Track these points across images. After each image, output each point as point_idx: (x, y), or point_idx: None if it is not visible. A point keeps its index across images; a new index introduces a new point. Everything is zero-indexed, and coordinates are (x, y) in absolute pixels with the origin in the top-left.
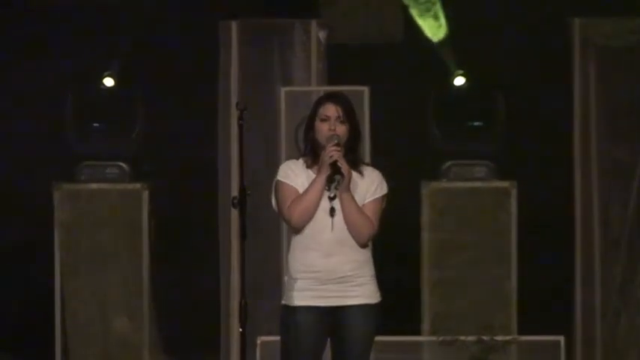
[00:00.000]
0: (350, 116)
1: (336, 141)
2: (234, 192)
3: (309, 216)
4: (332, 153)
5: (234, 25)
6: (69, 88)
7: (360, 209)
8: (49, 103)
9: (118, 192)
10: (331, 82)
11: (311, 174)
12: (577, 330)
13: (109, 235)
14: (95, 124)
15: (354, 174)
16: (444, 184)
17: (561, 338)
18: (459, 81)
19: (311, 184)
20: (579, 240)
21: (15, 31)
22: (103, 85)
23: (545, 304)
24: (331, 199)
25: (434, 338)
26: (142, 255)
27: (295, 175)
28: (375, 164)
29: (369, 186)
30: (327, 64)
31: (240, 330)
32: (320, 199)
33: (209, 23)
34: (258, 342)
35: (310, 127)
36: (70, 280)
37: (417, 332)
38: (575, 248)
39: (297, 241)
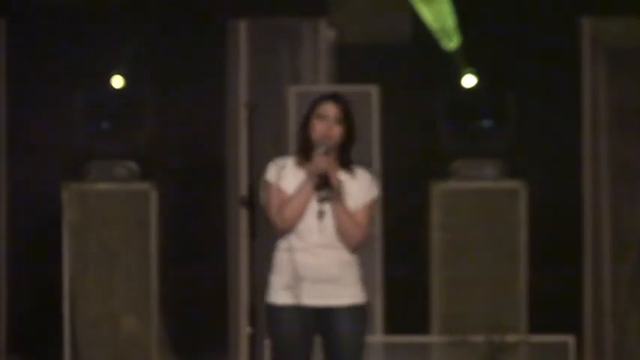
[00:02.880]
0: (347, 118)
1: (324, 149)
2: (243, 191)
3: (297, 220)
4: (320, 164)
5: (242, 25)
6: (78, 87)
7: (351, 219)
8: (58, 103)
9: (127, 191)
10: (340, 82)
11: (301, 175)
12: (587, 330)
13: (117, 234)
14: (104, 124)
15: (345, 176)
16: (453, 184)
17: (571, 338)
18: (469, 81)
19: (299, 189)
20: (589, 240)
21: (25, 30)
22: (112, 84)
23: (554, 304)
24: (321, 201)
25: (443, 338)
26: (150, 254)
27: (284, 175)
28: (384, 164)
29: (360, 190)
30: (335, 63)
31: (250, 330)
32: (307, 203)
33: (218, 23)
34: (267, 342)
35: (305, 125)
36: (79, 279)
37: (427, 332)
38: (584, 248)
39: (285, 241)
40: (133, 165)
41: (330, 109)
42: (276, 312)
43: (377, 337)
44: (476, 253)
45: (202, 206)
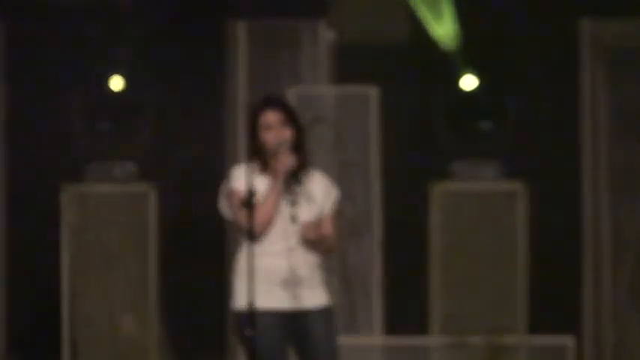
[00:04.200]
0: (292, 118)
1: (287, 146)
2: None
3: (269, 225)
4: (288, 160)
5: (242, 26)
6: (77, 88)
7: (328, 242)
8: (56, 104)
9: (126, 193)
10: (339, 83)
11: (263, 180)
12: (586, 331)
13: (116, 235)
14: (103, 125)
15: (304, 179)
16: (453, 185)
17: (570, 340)
18: (468, 82)
19: (268, 194)
20: (589, 240)
21: (24, 31)
22: (111, 86)
23: (554, 305)
24: (291, 205)
25: (442, 340)
26: (149, 255)
27: (249, 181)
28: (383, 165)
29: (322, 194)
30: (335, 64)
31: (249, 331)
32: (277, 206)
33: (217, 24)
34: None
35: (254, 137)
36: (78, 280)
37: (426, 334)
38: (584, 249)
39: (254, 245)
40: (132, 166)
41: (272, 118)
42: (248, 318)
43: (376, 339)
44: (475, 254)
45: (201, 207)
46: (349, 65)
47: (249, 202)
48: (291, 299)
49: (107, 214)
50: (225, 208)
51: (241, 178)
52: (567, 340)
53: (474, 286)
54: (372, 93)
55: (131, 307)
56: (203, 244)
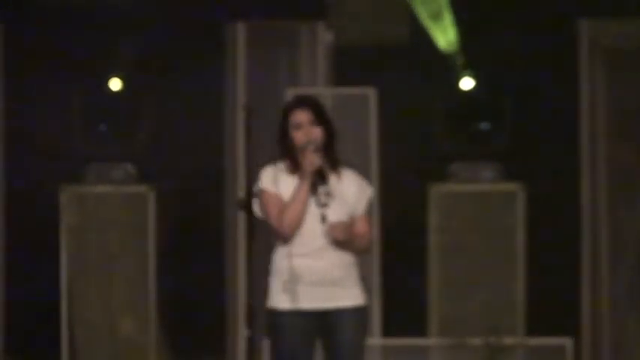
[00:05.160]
0: (322, 117)
1: (313, 146)
2: (241, 194)
3: (298, 225)
4: (315, 160)
5: (240, 27)
6: (76, 90)
7: (360, 242)
8: (56, 105)
9: (124, 194)
10: (338, 84)
11: (293, 181)
12: (584, 332)
13: (115, 236)
14: (102, 126)
15: (334, 178)
16: (451, 186)
17: (569, 341)
18: (467, 83)
19: (296, 194)
20: (586, 242)
21: (23, 32)
22: (110, 87)
23: (552, 306)
24: (321, 205)
25: (441, 341)
26: (148, 257)
27: (278, 182)
28: (382, 166)
29: (354, 194)
30: (333, 66)
31: (248, 332)
32: (306, 205)
33: (216, 25)
34: (264, 345)
35: (284, 136)
36: (77, 281)
37: (424, 335)
38: (582, 249)
39: (286, 246)
40: (130, 168)
41: (302, 116)
42: (278, 317)
43: (375, 340)
44: (473, 256)
45: (200, 209)
46: (348, 66)
47: (247, 205)
48: (321, 299)
49: (106, 215)
50: (257, 209)
51: (270, 178)
52: (565, 341)
53: (473, 287)
54: (370, 94)
55: (130, 308)
56: (202, 245)
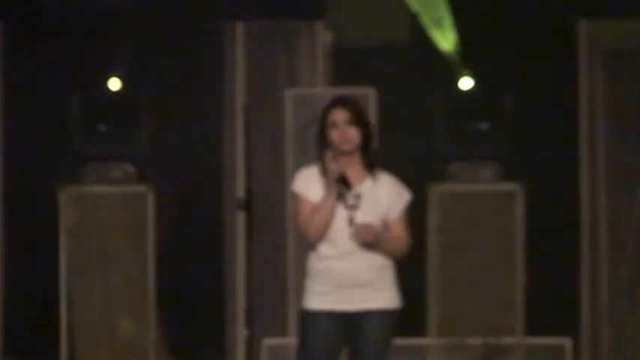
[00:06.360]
0: (360, 118)
1: (332, 154)
2: (240, 194)
3: (324, 232)
4: (333, 168)
5: (239, 27)
6: (75, 90)
7: (392, 245)
8: (55, 105)
9: (124, 194)
10: (337, 85)
11: (325, 184)
12: (584, 332)
13: (114, 237)
14: (101, 126)
15: (370, 181)
16: (450, 186)
17: (568, 340)
18: (466, 83)
19: (323, 202)
20: (586, 241)
21: (23, 32)
22: (109, 87)
23: (551, 306)
24: (350, 208)
25: (440, 341)
26: (147, 257)
27: (311, 185)
28: (381, 166)
29: (390, 198)
30: (333, 66)
31: (247, 332)
32: (333, 212)
33: (215, 25)
34: (264, 345)
35: (323, 134)
36: (76, 281)
37: (424, 335)
38: (581, 250)
39: (317, 248)
40: (130, 167)
41: (340, 115)
42: (308, 317)
43: None
44: (473, 256)
45: (199, 209)
46: (347, 67)
47: (247, 205)
48: (350, 301)
49: (106, 215)
50: (290, 209)
51: (303, 181)
52: (565, 341)
53: (472, 286)
54: (369, 95)
55: (129, 309)
56: (201, 245)
